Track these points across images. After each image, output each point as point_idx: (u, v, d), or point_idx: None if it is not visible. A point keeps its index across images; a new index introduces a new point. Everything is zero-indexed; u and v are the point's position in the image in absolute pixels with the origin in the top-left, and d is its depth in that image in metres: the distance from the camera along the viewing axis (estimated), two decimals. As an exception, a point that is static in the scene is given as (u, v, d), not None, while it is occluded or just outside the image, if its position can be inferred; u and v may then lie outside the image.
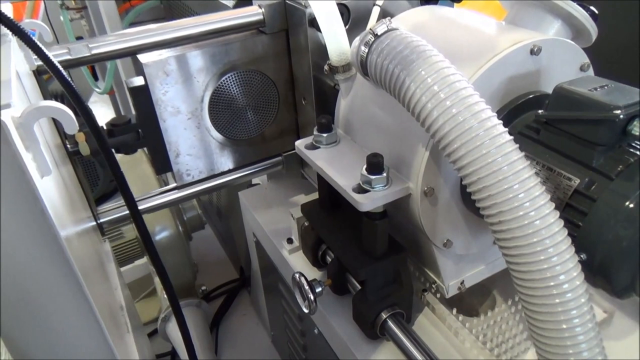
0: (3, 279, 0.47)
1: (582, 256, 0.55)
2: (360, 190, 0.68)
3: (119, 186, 0.68)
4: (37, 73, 0.75)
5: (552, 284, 0.51)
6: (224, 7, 1.08)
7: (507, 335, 0.77)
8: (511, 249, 0.53)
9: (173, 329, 1.45)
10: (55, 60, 0.52)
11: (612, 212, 0.53)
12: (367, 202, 0.66)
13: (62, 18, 2.05)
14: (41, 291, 0.51)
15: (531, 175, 0.53)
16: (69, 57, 0.77)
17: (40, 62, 0.73)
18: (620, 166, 0.54)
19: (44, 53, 0.51)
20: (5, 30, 0.53)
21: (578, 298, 0.52)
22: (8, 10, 0.64)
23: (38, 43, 0.50)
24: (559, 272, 0.51)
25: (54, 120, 0.78)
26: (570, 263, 0.51)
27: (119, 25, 1.74)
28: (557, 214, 0.52)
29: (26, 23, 0.78)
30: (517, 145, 0.54)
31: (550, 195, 0.53)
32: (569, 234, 0.52)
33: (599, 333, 0.53)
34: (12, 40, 0.57)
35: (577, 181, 0.57)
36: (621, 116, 0.52)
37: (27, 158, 0.43)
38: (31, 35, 0.50)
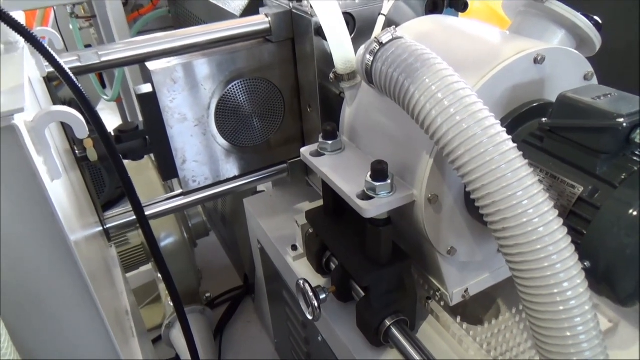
0: (13, 280, 0.48)
1: (586, 264, 0.55)
2: (364, 197, 0.68)
3: (126, 191, 0.69)
4: (48, 80, 0.76)
5: (555, 291, 0.51)
6: (231, 16, 1.10)
7: (511, 343, 0.77)
8: (515, 255, 0.54)
9: (177, 336, 1.45)
10: (66, 67, 0.53)
11: (616, 220, 0.53)
12: (371, 209, 0.67)
13: (71, 27, 2.08)
14: (50, 293, 0.52)
15: (535, 182, 0.53)
16: (78, 64, 0.78)
17: (50, 69, 0.75)
18: (624, 174, 0.54)
19: (56, 59, 0.52)
20: (18, 37, 0.54)
21: (582, 305, 0.52)
22: (20, 18, 0.66)
23: (50, 50, 0.52)
24: (563, 280, 0.51)
25: (63, 127, 0.80)
26: (574, 270, 0.51)
27: (127, 34, 1.76)
28: (561, 221, 0.52)
29: (37, 31, 0.79)
30: (521, 153, 0.54)
31: (554, 202, 0.54)
32: (573, 242, 0.53)
33: (603, 341, 0.53)
34: (25, 47, 0.58)
35: (581, 189, 0.57)
36: (624, 124, 0.53)
37: (39, 161, 0.43)
38: (43, 43, 0.51)
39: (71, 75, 0.53)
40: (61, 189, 0.53)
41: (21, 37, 0.50)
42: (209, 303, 1.69)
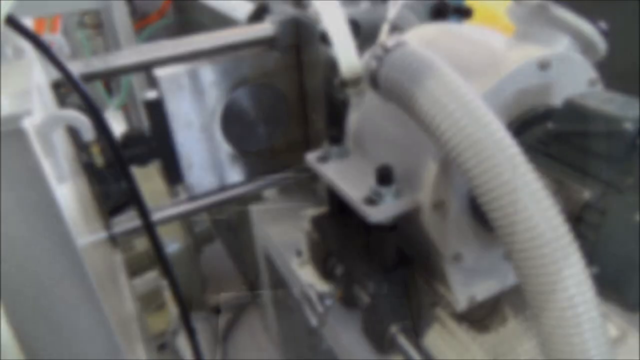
0: (20, 284, 0.48)
1: (593, 269, 0.54)
2: (369, 202, 0.68)
3: (132, 197, 0.70)
4: (56, 86, 0.77)
5: (563, 296, 0.51)
6: (237, 24, 1.11)
7: (518, 350, 0.76)
8: (521, 261, 0.53)
9: (182, 342, 1.45)
10: (71, 71, 0.54)
11: (623, 225, 0.53)
12: (376, 214, 0.67)
13: (79, 35, 2.10)
14: (56, 298, 0.52)
15: (541, 187, 0.53)
16: (85, 70, 0.79)
17: (59, 76, 0.75)
18: (631, 179, 0.54)
19: (62, 64, 0.52)
20: (26, 42, 0.55)
21: (590, 312, 0.51)
22: (29, 24, 0.66)
23: (56, 55, 0.52)
24: (570, 285, 0.51)
25: (70, 133, 0.80)
26: (581, 276, 0.51)
27: (134, 43, 1.78)
28: (568, 226, 0.52)
29: (46, 37, 0.80)
30: (527, 158, 0.54)
31: (561, 208, 0.53)
32: (581, 247, 0.52)
33: (611, 349, 0.53)
34: (33, 53, 0.59)
35: (588, 194, 0.57)
36: (631, 129, 0.53)
37: (46, 165, 0.44)
38: (50, 48, 0.52)
39: (76, 78, 0.53)
40: (68, 194, 0.53)
41: (30, 43, 0.51)
42: (214, 310, 1.69)
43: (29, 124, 0.41)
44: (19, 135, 0.40)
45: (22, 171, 0.43)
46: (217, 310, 1.72)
